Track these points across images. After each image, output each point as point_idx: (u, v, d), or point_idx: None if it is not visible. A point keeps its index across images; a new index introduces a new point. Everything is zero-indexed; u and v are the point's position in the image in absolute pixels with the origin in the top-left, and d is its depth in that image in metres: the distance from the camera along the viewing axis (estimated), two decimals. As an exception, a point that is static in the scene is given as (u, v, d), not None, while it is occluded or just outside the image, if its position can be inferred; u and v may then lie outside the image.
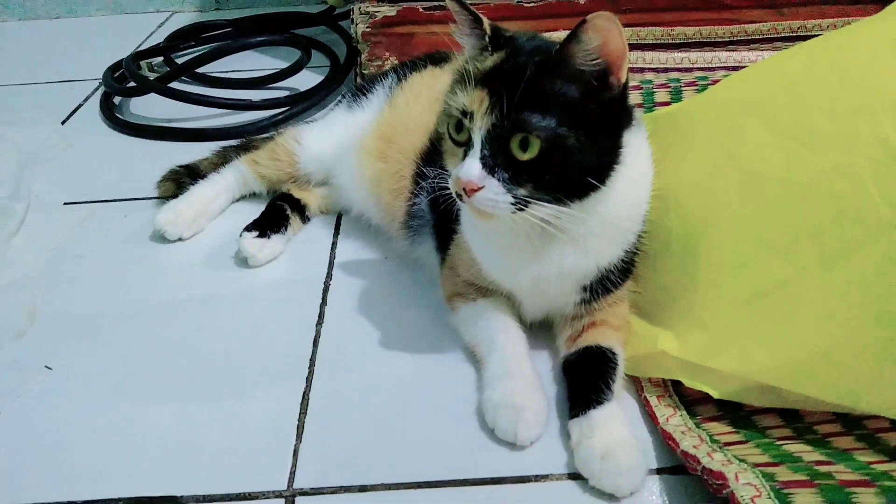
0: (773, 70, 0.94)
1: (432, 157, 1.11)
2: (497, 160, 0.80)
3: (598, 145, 0.81)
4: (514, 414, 0.87)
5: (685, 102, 1.01)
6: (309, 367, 1.01)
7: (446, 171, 0.89)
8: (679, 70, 1.65)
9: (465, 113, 0.82)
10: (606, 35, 0.77)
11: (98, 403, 0.98)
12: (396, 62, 1.72)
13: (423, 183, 1.12)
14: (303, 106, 1.71)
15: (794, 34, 1.70)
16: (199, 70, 1.84)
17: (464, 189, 0.81)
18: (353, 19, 1.72)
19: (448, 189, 0.86)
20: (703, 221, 0.91)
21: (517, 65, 0.81)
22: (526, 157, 0.79)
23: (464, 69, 0.85)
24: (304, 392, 0.97)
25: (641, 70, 1.63)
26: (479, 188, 0.80)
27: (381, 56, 1.74)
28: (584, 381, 0.91)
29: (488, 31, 0.87)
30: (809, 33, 1.68)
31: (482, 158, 0.80)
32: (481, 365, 0.97)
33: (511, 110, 0.78)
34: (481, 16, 0.88)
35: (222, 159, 1.43)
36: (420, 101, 1.22)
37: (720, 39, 1.73)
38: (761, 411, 0.88)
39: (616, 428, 0.85)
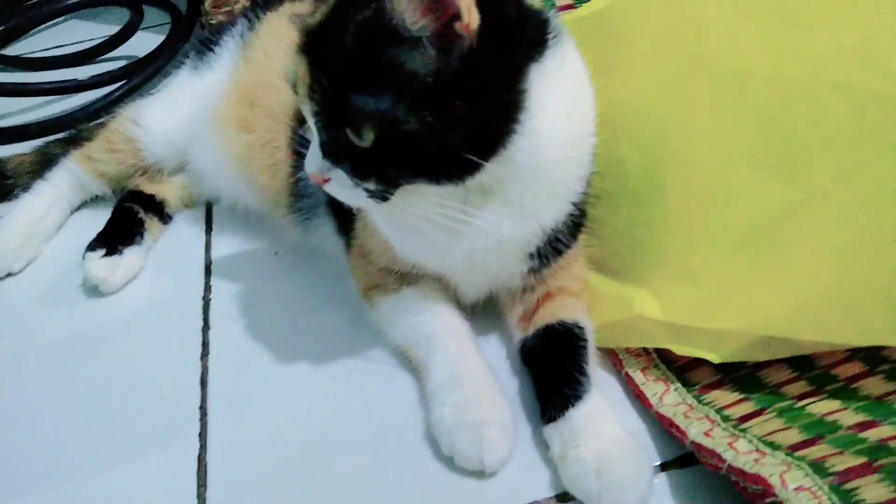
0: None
1: (308, 117, 0.87)
2: (337, 148, 0.63)
3: (463, 118, 0.60)
4: (476, 434, 0.68)
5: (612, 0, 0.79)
6: (200, 419, 0.79)
7: None
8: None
9: (294, 87, 0.65)
10: None
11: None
12: (248, 5, 1.44)
13: (305, 151, 0.88)
14: (143, 76, 1.42)
15: None
16: (7, 52, 1.49)
17: None
18: (184, -40, 1.42)
19: None
20: (666, 147, 0.71)
21: (338, 26, 0.60)
22: (365, 144, 0.61)
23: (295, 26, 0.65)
24: (200, 455, 0.75)
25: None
26: (327, 180, 0.65)
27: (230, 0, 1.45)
28: (552, 370, 0.72)
29: None
30: None
31: (322, 146, 0.64)
32: (421, 373, 0.77)
33: (334, 91, 0.60)
34: None
35: (43, 159, 1.15)
36: (281, 47, 0.96)
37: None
38: (767, 364, 0.72)
39: (605, 427, 0.67)
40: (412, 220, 0.68)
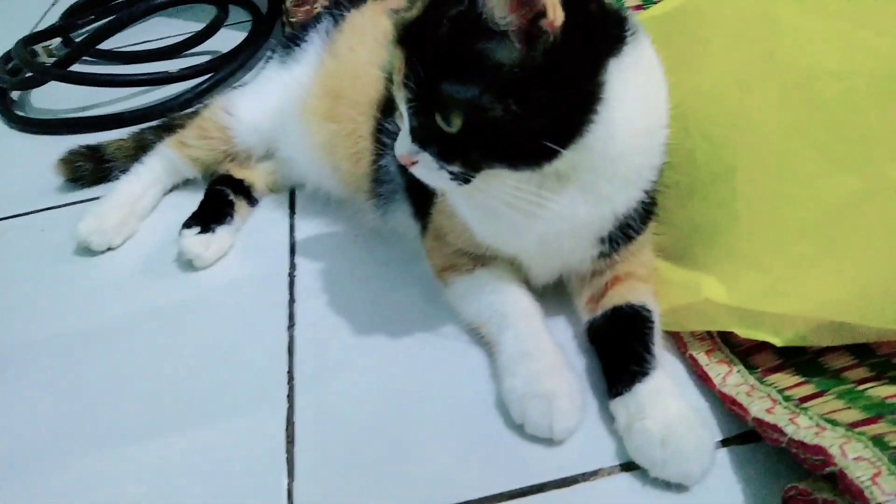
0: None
1: (393, 106, 0.92)
2: (425, 132, 0.68)
3: (545, 108, 0.64)
4: (546, 404, 0.72)
5: (688, -1, 0.83)
6: (288, 383, 0.85)
7: None
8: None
9: (390, 77, 0.70)
10: None
11: (46, 457, 0.80)
12: (328, 3, 1.51)
13: (387, 140, 0.94)
14: (228, 69, 1.51)
15: None
16: (103, 46, 1.59)
17: None
18: (268, -39, 1.50)
19: None
20: (737, 139, 0.75)
21: (434, 20, 0.65)
22: (452, 130, 0.66)
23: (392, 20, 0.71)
24: (288, 416, 0.81)
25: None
26: (414, 162, 0.70)
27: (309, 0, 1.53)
28: (620, 348, 0.76)
29: None
30: None
31: (412, 131, 0.69)
32: (492, 348, 0.82)
33: (427, 79, 0.65)
34: None
35: (139, 144, 1.24)
36: (365, 42, 1.03)
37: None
38: (827, 351, 0.75)
39: (670, 402, 0.71)
40: (491, 202, 0.73)
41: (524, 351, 0.77)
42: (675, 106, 0.75)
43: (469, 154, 0.68)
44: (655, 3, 1.20)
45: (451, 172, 0.69)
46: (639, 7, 1.15)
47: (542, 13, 0.62)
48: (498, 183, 0.70)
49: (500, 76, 0.63)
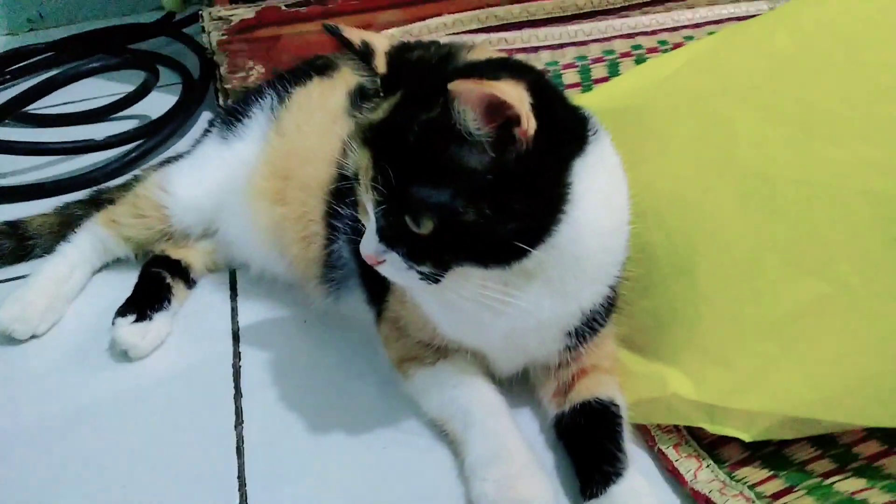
0: (750, 47, 0.80)
1: (345, 191, 0.90)
2: (393, 233, 0.67)
3: (517, 210, 0.64)
4: (520, 512, 0.70)
5: (648, 91, 0.85)
6: (240, 489, 0.79)
7: None
8: (575, 44, 1.53)
9: (355, 176, 0.69)
10: (478, 98, 0.60)
11: None
12: (263, 71, 1.48)
13: (339, 224, 0.91)
14: (158, 137, 1.44)
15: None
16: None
17: None
18: (203, 27, 1.46)
19: None
20: (696, 235, 0.76)
21: (404, 122, 0.65)
22: (422, 231, 0.65)
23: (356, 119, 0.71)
24: (242, 528, 0.75)
25: (536, 49, 1.49)
26: (381, 262, 0.68)
27: (244, 66, 1.49)
28: (591, 447, 0.75)
29: (381, 70, 0.70)
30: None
31: (379, 231, 0.68)
32: (458, 445, 0.79)
33: (396, 183, 0.64)
34: (375, 45, 0.70)
35: (64, 220, 1.16)
36: (314, 123, 1.00)
37: (612, 6, 1.61)
38: (790, 442, 0.76)
39: (645, 503, 0.70)
40: (457, 299, 0.71)
41: (493, 451, 0.75)
42: (634, 201, 0.76)
43: (439, 255, 0.66)
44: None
45: (419, 272, 0.67)
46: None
47: (516, 122, 0.61)
48: (464, 280, 0.69)
49: (473, 181, 0.63)
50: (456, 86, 0.58)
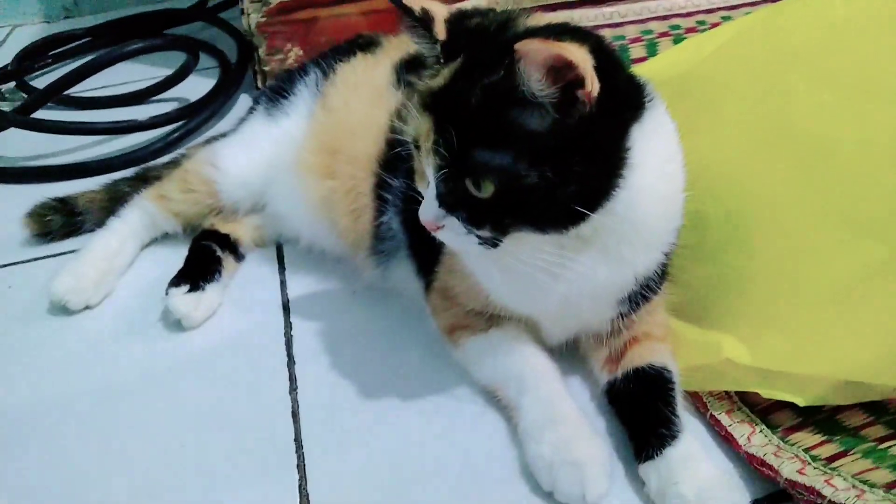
0: (805, 16, 0.80)
1: (394, 162, 0.91)
2: (453, 198, 0.68)
3: (577, 174, 0.65)
4: (577, 472, 0.71)
5: (697, 64, 0.86)
6: (297, 451, 0.81)
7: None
8: (611, 26, 1.53)
9: (415, 142, 0.70)
10: (544, 59, 0.60)
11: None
12: (302, 53, 1.50)
13: (389, 196, 0.93)
14: (200, 118, 1.46)
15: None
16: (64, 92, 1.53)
17: None
18: (243, 9, 1.48)
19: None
20: (751, 202, 0.77)
21: (466, 87, 0.65)
22: (483, 195, 0.65)
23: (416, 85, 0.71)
24: (300, 486, 0.77)
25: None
26: (440, 227, 0.69)
27: (283, 48, 1.52)
28: (645, 412, 0.76)
29: (441, 36, 0.70)
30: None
31: (439, 196, 0.69)
32: (511, 412, 0.80)
33: (458, 147, 0.64)
34: (434, 12, 0.71)
35: (113, 196, 1.18)
36: (361, 97, 1.01)
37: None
38: (843, 408, 0.76)
39: (701, 466, 0.71)
40: (514, 263, 0.72)
41: (548, 415, 0.76)
42: (687, 170, 0.77)
43: (500, 219, 0.67)
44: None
45: (479, 237, 0.68)
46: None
47: (579, 84, 0.62)
48: (522, 245, 0.70)
49: (535, 144, 0.64)
50: (523, 45, 0.59)
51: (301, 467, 0.79)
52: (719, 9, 1.54)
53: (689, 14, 1.52)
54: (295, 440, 0.82)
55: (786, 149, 0.74)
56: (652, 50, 1.35)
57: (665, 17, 1.52)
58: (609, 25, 1.53)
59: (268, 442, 0.83)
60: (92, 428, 0.87)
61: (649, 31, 1.40)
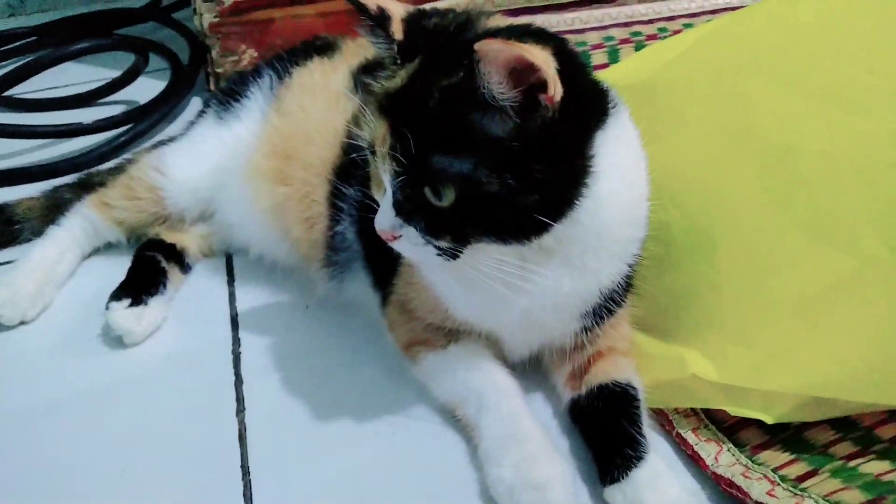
0: (769, 21, 0.78)
1: (349, 170, 0.88)
2: (411, 206, 0.64)
3: (540, 181, 0.62)
4: (539, 494, 0.68)
5: (659, 70, 0.83)
6: (243, 478, 0.76)
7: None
8: (572, 32, 1.51)
9: (371, 147, 0.66)
10: (505, 60, 0.57)
11: None
12: (256, 55, 1.45)
13: (344, 205, 0.88)
14: (148, 121, 1.40)
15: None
16: (4, 93, 1.46)
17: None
18: (195, 9, 1.42)
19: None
20: (714, 212, 0.75)
21: (424, 89, 0.62)
22: (442, 204, 0.62)
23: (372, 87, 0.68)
24: (247, 516, 0.72)
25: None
26: (396, 237, 0.65)
27: (237, 49, 1.46)
28: (610, 431, 0.73)
29: (398, 36, 0.67)
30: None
31: (396, 204, 0.65)
32: (471, 430, 0.77)
33: (416, 152, 0.61)
34: (392, 11, 0.68)
35: (53, 203, 1.12)
36: (317, 102, 0.97)
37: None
38: (810, 425, 0.74)
39: (667, 487, 0.69)
40: (474, 275, 0.68)
41: (509, 435, 0.72)
42: (651, 178, 0.74)
43: (460, 229, 0.64)
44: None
45: (437, 248, 0.65)
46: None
47: (541, 86, 0.59)
48: (481, 257, 0.66)
49: (496, 150, 0.61)
50: (483, 45, 0.56)
51: (247, 496, 0.74)
52: (681, 16, 1.53)
53: (650, 21, 1.51)
54: (241, 466, 0.78)
55: (749, 156, 0.72)
56: (614, 56, 1.33)
57: (626, 24, 1.51)
58: (571, 32, 1.51)
59: (212, 468, 0.78)
60: (23, 450, 0.81)
61: (611, 38, 1.38)
